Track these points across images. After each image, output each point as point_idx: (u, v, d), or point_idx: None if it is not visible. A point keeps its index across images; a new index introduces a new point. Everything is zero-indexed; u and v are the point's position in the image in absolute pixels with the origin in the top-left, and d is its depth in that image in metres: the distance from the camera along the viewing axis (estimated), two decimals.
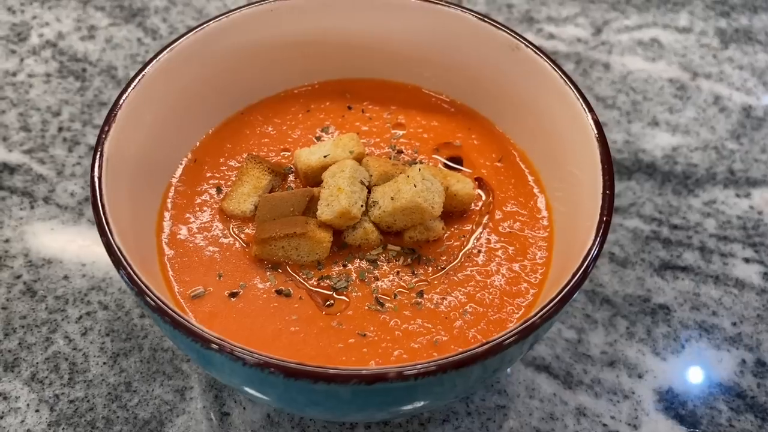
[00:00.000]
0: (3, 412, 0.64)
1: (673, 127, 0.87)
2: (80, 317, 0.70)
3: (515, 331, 0.46)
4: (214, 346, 0.46)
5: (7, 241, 0.75)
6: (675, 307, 0.72)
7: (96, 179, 0.52)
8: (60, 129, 0.84)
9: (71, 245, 0.75)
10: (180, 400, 0.65)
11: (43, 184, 0.79)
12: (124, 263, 0.49)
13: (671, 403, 0.66)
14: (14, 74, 0.89)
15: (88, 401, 0.65)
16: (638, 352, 0.69)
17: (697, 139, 0.86)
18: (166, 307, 0.48)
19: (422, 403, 0.54)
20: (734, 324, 0.72)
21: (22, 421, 0.64)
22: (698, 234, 0.78)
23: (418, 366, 0.44)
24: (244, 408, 0.65)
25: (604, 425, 0.65)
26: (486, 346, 0.45)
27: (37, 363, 0.67)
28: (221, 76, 0.66)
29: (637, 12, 0.99)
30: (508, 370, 0.68)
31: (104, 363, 0.67)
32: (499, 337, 0.46)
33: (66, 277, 0.72)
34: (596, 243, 0.51)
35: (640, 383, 0.68)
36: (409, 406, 0.55)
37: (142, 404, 0.65)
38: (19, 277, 0.72)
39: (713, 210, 0.80)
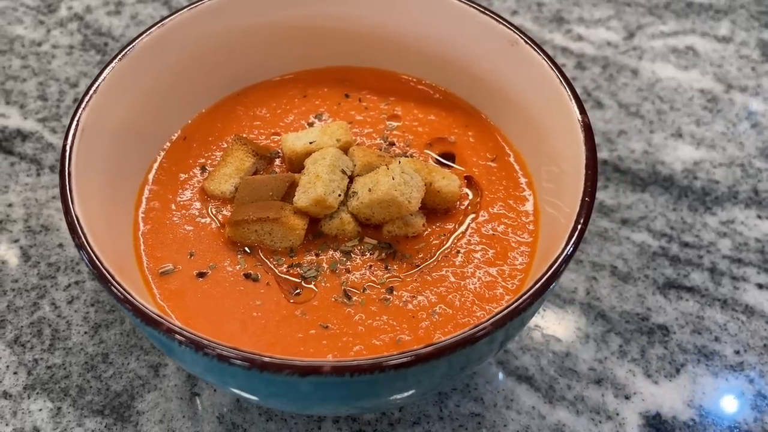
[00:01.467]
0: None
1: (698, 141, 0.82)
2: (69, 285, 0.71)
3: (455, 338, 0.44)
4: (153, 322, 0.45)
5: (10, 205, 0.76)
6: (675, 328, 0.68)
7: (67, 149, 0.52)
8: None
9: None
10: (153, 376, 0.65)
11: (51, 153, 0.80)
12: (85, 244, 0.49)
13: (657, 429, 0.63)
14: (39, 44, 0.90)
15: (64, 368, 0.66)
16: (629, 372, 0.66)
17: (722, 154, 0.81)
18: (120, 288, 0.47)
19: (382, 399, 0.53)
20: (737, 352, 0.67)
21: (0, 381, 0.65)
22: (710, 254, 0.73)
23: (353, 363, 0.42)
24: (214, 390, 0.64)
25: None
26: (429, 349, 0.43)
27: (22, 326, 0.68)
28: (218, 56, 0.65)
29: (675, 18, 0.94)
30: (500, 375, 0.65)
31: (85, 332, 0.68)
32: (442, 341, 0.44)
33: (61, 245, 0.73)
34: (566, 249, 0.48)
35: (626, 405, 0.64)
36: (369, 402, 0.54)
37: (116, 376, 0.65)
38: (16, 241, 0.74)
39: (730, 230, 0.75)
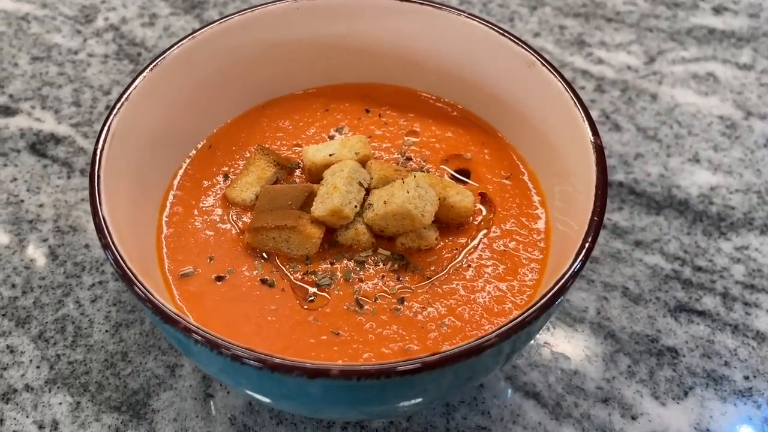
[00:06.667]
0: (7, 364, 0.68)
1: (715, 166, 0.83)
2: (93, 285, 0.73)
3: (462, 348, 0.45)
4: (175, 324, 0.47)
5: (41, 205, 0.79)
6: (684, 351, 0.69)
7: (98, 153, 0.55)
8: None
9: None
10: (169, 376, 0.67)
11: (82, 157, 0.83)
12: (111, 244, 0.51)
13: None
14: (76, 53, 0.94)
15: (85, 365, 0.68)
16: (636, 393, 0.66)
17: (739, 180, 0.82)
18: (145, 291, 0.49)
19: (389, 405, 0.54)
20: (746, 378, 0.67)
21: (23, 375, 0.67)
22: (723, 279, 0.74)
23: (361, 367, 0.44)
24: (227, 392, 0.66)
25: None
26: (436, 357, 0.45)
27: (47, 322, 0.71)
28: (244, 68, 0.68)
29: (697, 44, 0.95)
30: (508, 391, 0.66)
31: (106, 331, 0.70)
32: (453, 349, 0.45)
33: (87, 246, 0.76)
34: (574, 265, 0.49)
35: (632, 426, 0.65)
36: (377, 408, 0.55)
37: (133, 375, 0.67)
38: (45, 240, 0.76)
39: (744, 256, 0.75)
